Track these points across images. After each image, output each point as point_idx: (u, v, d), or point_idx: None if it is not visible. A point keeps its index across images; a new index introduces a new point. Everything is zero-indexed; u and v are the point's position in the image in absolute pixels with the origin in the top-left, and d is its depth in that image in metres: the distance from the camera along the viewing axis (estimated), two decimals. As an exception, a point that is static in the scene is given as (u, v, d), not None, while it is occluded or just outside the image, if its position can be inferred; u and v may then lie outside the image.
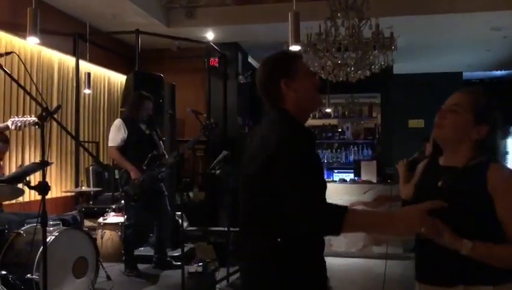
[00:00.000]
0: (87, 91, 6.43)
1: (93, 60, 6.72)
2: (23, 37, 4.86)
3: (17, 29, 5.20)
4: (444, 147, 1.78)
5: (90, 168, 6.62)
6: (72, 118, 6.52)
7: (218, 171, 4.72)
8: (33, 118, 3.84)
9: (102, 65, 7.20)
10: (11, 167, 5.25)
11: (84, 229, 4.52)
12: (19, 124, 3.80)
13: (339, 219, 1.48)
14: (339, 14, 5.03)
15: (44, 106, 2.62)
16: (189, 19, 6.86)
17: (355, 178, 6.70)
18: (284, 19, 4.51)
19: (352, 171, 7.38)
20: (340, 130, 9.84)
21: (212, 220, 6.72)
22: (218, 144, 6.93)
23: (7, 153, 5.12)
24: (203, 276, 4.25)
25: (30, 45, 5.50)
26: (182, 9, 6.86)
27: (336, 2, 5.03)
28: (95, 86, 7.04)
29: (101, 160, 6.79)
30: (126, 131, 4.87)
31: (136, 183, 4.76)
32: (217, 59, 7.60)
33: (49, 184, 2.57)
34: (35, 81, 5.57)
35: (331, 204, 1.52)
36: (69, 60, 6.48)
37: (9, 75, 2.73)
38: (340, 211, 1.49)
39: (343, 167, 9.08)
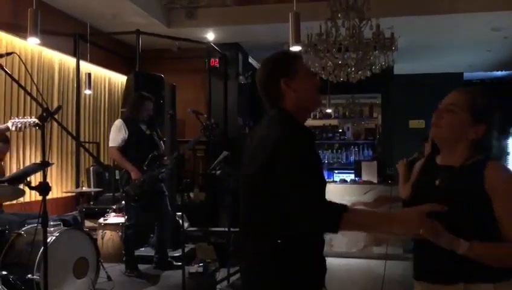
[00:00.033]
0: (87, 92, 6.44)
1: (93, 61, 6.73)
2: (24, 37, 4.87)
3: (18, 29, 5.20)
4: (441, 146, 1.79)
5: (91, 168, 6.63)
6: (72, 118, 6.53)
7: (218, 172, 4.73)
8: (33, 119, 3.84)
9: (102, 66, 7.21)
10: (11, 168, 5.25)
11: (84, 229, 4.52)
12: (19, 125, 3.80)
13: (337, 216, 1.49)
14: (339, 15, 5.03)
15: (45, 106, 2.62)
16: (189, 19, 6.86)
17: (356, 179, 6.70)
18: (285, 20, 4.51)
19: (352, 171, 7.37)
20: (340, 130, 9.84)
21: (212, 220, 6.72)
22: (219, 145, 6.93)
23: (8, 154, 5.12)
24: (203, 276, 4.24)
25: (31, 46, 5.50)
26: (182, 10, 6.86)
27: (336, 3, 5.03)
28: (96, 86, 7.04)
29: (102, 160, 6.79)
30: (127, 131, 4.87)
31: (136, 183, 4.76)
32: (217, 59, 7.60)
33: (50, 185, 2.57)
34: (35, 82, 5.58)
35: (330, 202, 1.54)
36: (70, 61, 6.48)
37: (10, 76, 2.73)
38: (338, 209, 1.51)
39: (344, 167, 9.08)
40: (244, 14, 6.75)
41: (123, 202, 5.24)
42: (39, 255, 3.39)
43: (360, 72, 5.30)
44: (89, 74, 6.37)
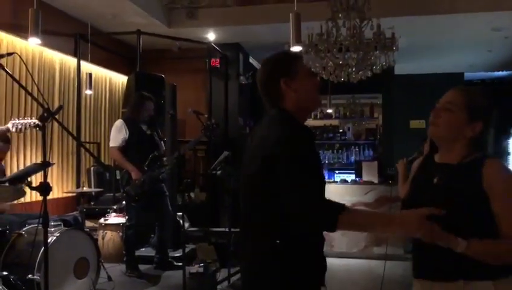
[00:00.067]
0: (88, 92, 6.44)
1: (94, 61, 6.73)
2: (25, 37, 4.87)
3: (19, 30, 5.21)
4: (439, 144, 1.80)
5: (92, 168, 6.63)
6: (73, 118, 6.53)
7: (219, 172, 4.73)
8: (34, 120, 3.84)
9: (103, 66, 7.21)
10: (12, 168, 5.25)
11: (85, 229, 4.51)
12: (20, 127, 3.80)
13: (335, 216, 1.51)
14: (340, 15, 5.02)
15: (46, 106, 2.62)
16: (190, 19, 6.86)
17: (357, 179, 6.69)
18: (285, 20, 4.51)
19: (353, 171, 7.37)
20: (341, 130, 9.84)
21: (213, 220, 6.72)
22: (219, 145, 6.93)
23: (9, 154, 5.12)
24: (204, 277, 4.24)
25: (32, 46, 5.51)
26: (183, 10, 6.86)
27: (337, 3, 5.02)
28: (97, 86, 7.04)
29: (103, 160, 6.79)
30: (127, 131, 4.88)
31: (136, 183, 4.76)
32: (218, 60, 7.60)
33: (51, 185, 2.57)
34: (36, 82, 5.58)
35: (329, 201, 1.55)
36: (71, 61, 6.48)
37: (11, 76, 2.74)
38: (337, 208, 1.52)
39: (345, 167, 9.08)
40: (244, 14, 6.74)
41: (124, 202, 5.24)
42: (40, 255, 3.40)
43: (360, 72, 5.30)
44: (90, 74, 6.37)
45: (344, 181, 6.78)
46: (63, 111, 5.99)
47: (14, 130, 3.83)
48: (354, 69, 5.24)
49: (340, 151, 9.60)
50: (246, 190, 1.77)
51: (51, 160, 2.78)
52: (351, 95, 9.67)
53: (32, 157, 5.60)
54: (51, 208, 4.05)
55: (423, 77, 9.79)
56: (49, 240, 3.22)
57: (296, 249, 1.65)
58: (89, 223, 5.65)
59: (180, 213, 5.32)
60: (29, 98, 5.24)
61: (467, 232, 1.57)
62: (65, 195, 6.01)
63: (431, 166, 1.81)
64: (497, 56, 8.77)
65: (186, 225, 5.90)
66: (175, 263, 5.09)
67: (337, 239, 5.74)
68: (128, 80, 6.55)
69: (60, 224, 4.03)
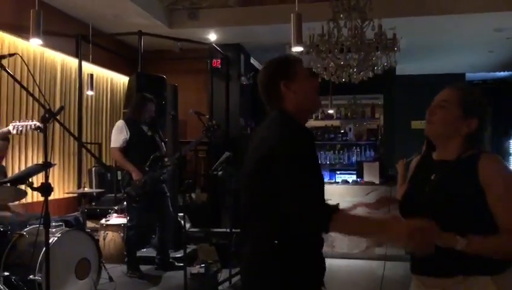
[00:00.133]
0: (89, 92, 6.44)
1: (95, 62, 6.74)
2: (26, 38, 4.88)
3: (20, 30, 5.21)
4: (435, 142, 1.81)
5: (93, 169, 6.63)
6: (74, 119, 6.53)
7: (220, 173, 4.73)
8: (34, 122, 3.85)
9: (104, 66, 7.21)
10: (13, 168, 5.26)
11: (86, 230, 4.52)
12: (20, 128, 3.81)
13: (330, 215, 1.53)
14: (341, 15, 5.03)
15: (47, 107, 2.62)
16: (191, 20, 6.86)
17: (358, 179, 6.69)
18: (287, 20, 4.51)
19: (354, 172, 7.36)
20: (342, 131, 9.83)
21: (214, 221, 6.72)
22: (221, 145, 6.94)
23: (10, 155, 5.13)
24: (205, 277, 4.24)
25: (33, 47, 5.51)
26: (184, 11, 6.86)
27: (338, 3, 5.03)
28: (98, 87, 7.05)
29: (104, 161, 6.79)
30: (128, 132, 4.88)
31: (137, 184, 4.76)
32: (219, 60, 7.61)
33: (52, 185, 2.57)
34: (38, 83, 5.59)
35: (327, 204, 1.58)
36: (72, 62, 6.49)
37: (13, 77, 2.74)
38: (332, 209, 1.55)
39: (346, 168, 9.07)
40: (246, 15, 6.75)
41: (125, 202, 5.24)
42: (41, 256, 3.40)
43: (362, 73, 5.30)
44: (91, 75, 6.38)
45: (345, 182, 6.77)
46: (64, 112, 6.00)
47: (15, 132, 3.84)
48: (355, 70, 5.24)
49: (341, 151, 9.59)
50: (246, 190, 1.79)
51: (52, 161, 2.78)
52: (352, 96, 9.66)
53: (34, 158, 5.60)
54: (52, 208, 4.05)
55: (424, 78, 9.78)
56: (50, 241, 3.21)
57: (295, 249, 1.66)
58: (90, 224, 5.65)
59: (181, 214, 5.33)
60: (30, 98, 5.25)
61: (465, 227, 1.58)
62: (66, 196, 6.02)
63: (429, 164, 1.83)
64: (499, 57, 8.77)
65: (187, 225, 5.89)
66: (176, 264, 5.10)
67: (338, 240, 5.73)
68: (129, 81, 6.56)
69: (62, 225, 4.04)
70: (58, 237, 3.60)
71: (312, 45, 5.16)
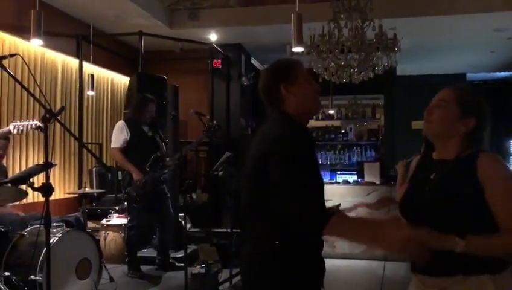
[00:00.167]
0: (90, 93, 6.45)
1: (96, 62, 6.73)
2: (27, 39, 4.88)
3: (21, 31, 5.22)
4: (434, 142, 1.81)
5: (94, 169, 6.63)
6: (75, 119, 6.54)
7: (221, 173, 4.73)
8: (35, 122, 3.85)
9: (105, 67, 7.22)
10: (14, 169, 5.26)
11: (87, 230, 4.52)
12: (21, 128, 3.81)
13: (327, 217, 1.54)
14: (342, 16, 5.03)
15: (48, 107, 2.62)
16: (192, 20, 6.87)
17: (359, 180, 6.68)
18: (287, 21, 4.51)
19: (355, 172, 7.35)
20: (343, 131, 9.82)
21: (215, 221, 6.72)
22: (221, 146, 6.93)
23: (10, 154, 5.14)
24: (206, 277, 4.25)
25: (34, 47, 5.51)
26: (185, 11, 6.87)
27: (339, 4, 5.03)
28: (99, 87, 7.05)
29: (105, 161, 6.80)
30: (128, 133, 4.88)
31: (138, 184, 4.77)
32: (220, 60, 7.61)
33: (53, 186, 2.57)
34: (38, 83, 5.59)
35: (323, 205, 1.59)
36: (73, 62, 6.49)
37: (14, 77, 2.74)
38: (328, 213, 1.55)
39: (346, 168, 9.06)
40: (246, 15, 6.75)
41: (125, 203, 5.25)
42: (42, 256, 3.40)
43: (362, 73, 5.30)
44: (92, 75, 6.38)
45: (346, 182, 6.76)
46: (65, 112, 6.00)
47: (15, 132, 3.84)
48: (356, 70, 5.24)
49: (342, 152, 9.59)
50: (246, 190, 1.80)
51: (53, 161, 2.78)
52: (352, 96, 9.65)
53: (35, 158, 5.61)
54: (53, 208, 4.06)
55: (425, 78, 9.78)
56: (51, 241, 3.22)
57: (295, 249, 1.67)
58: (91, 224, 5.65)
59: (182, 214, 5.32)
60: (31, 99, 5.25)
61: (465, 226, 1.59)
62: (67, 196, 6.02)
63: (429, 163, 1.83)
64: (500, 57, 8.76)
65: (188, 225, 5.89)
66: (177, 264, 5.10)
67: (339, 240, 5.72)
68: (130, 81, 6.56)
69: (62, 225, 4.04)
70: (59, 237, 3.60)
71: (313, 45, 5.17)
